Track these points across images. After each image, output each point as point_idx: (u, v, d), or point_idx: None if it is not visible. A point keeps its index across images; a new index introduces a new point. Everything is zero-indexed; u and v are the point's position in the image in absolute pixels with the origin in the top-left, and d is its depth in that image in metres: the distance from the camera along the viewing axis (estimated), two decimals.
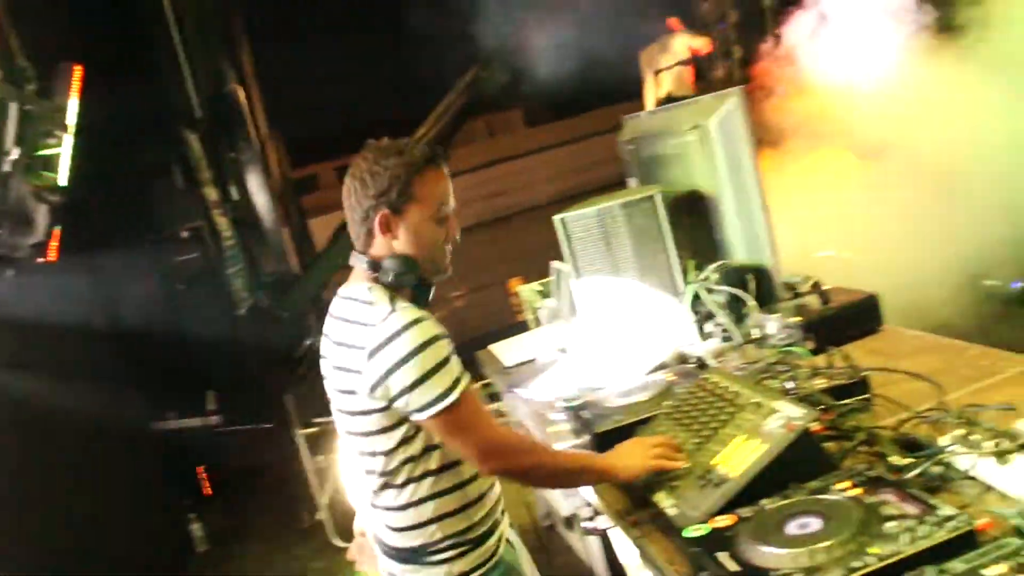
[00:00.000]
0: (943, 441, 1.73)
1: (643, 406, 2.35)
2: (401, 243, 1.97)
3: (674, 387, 2.40)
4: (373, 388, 1.86)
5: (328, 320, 2.07)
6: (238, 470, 5.87)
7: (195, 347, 5.84)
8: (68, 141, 4.32)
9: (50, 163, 4.23)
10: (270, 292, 5.95)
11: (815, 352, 2.43)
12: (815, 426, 1.85)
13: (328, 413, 2.10)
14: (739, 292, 2.81)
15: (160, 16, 5.45)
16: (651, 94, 8.15)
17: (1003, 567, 1.29)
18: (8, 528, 3.79)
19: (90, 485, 4.62)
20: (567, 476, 2.08)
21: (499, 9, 5.53)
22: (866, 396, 2.11)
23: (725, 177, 2.89)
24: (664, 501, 1.84)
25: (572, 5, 5.95)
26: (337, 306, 2.03)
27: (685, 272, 2.94)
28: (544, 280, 3.95)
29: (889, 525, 1.44)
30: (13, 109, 3.85)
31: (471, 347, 3.55)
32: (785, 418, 1.80)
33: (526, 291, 4.17)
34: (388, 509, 2.03)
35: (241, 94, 6.17)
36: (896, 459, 1.73)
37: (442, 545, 2.00)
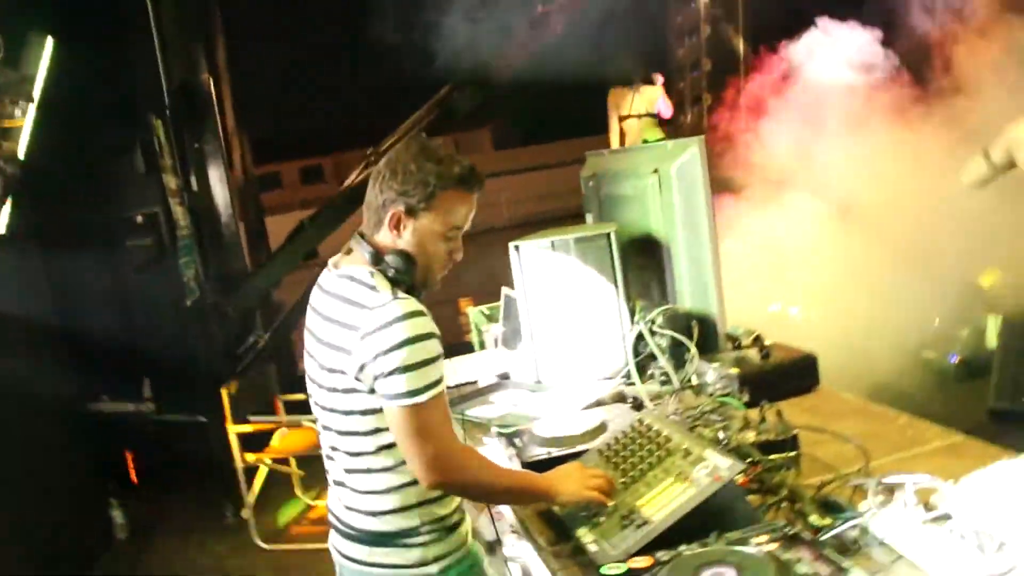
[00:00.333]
0: (863, 506, 1.77)
1: (576, 439, 2.36)
2: (404, 243, 1.99)
3: (608, 424, 2.43)
4: (360, 369, 1.87)
5: (318, 294, 2.06)
6: (166, 460, 5.78)
7: (138, 333, 5.77)
8: (31, 112, 4.28)
9: (10, 134, 4.19)
10: (219, 286, 5.91)
11: (750, 405, 2.45)
12: (741, 478, 1.88)
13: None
14: (682, 337, 2.84)
15: None
16: (615, 134, 8.23)
17: None
18: None
19: (13, 458, 4.52)
20: (507, 495, 2.08)
21: (477, 30, 5.56)
22: (794, 453, 2.14)
23: (680, 224, 2.93)
24: (586, 536, 1.87)
25: (552, 35, 6.01)
26: (332, 282, 2.03)
27: (632, 312, 2.98)
28: (493, 304, 3.97)
29: None
30: None
31: None
32: (712, 467, 1.84)
33: (475, 313, 4.19)
34: (365, 493, 2.01)
35: (212, 85, 6.15)
36: (816, 519, 1.76)
37: (422, 529, 2.00)
